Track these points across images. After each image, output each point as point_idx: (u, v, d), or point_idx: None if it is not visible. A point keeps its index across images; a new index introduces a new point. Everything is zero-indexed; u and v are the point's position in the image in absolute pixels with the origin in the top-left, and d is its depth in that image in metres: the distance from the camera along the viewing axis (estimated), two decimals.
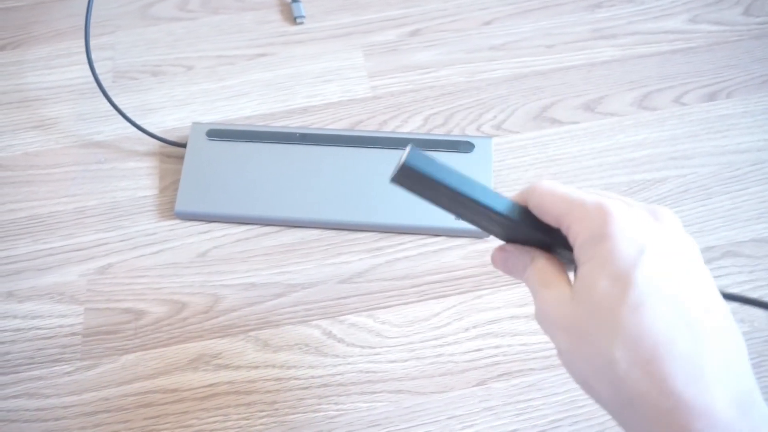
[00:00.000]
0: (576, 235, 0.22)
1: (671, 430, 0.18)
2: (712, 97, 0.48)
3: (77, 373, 0.39)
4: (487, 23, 0.52)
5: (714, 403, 0.18)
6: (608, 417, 0.37)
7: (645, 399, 0.19)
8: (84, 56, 0.47)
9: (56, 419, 0.38)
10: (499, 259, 0.26)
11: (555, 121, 0.47)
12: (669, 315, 0.19)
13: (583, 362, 0.21)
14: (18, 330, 0.41)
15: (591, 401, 0.37)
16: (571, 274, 0.24)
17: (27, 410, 0.38)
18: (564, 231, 0.22)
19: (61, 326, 0.41)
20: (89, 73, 0.47)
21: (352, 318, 0.41)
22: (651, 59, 0.50)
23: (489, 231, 0.26)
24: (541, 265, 0.24)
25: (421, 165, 0.21)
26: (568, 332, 0.21)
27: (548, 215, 0.23)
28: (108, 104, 0.47)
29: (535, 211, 0.23)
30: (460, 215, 0.24)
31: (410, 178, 0.22)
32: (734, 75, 0.49)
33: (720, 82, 0.49)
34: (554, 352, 0.39)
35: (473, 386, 0.38)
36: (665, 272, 0.20)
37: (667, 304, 0.19)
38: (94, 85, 0.47)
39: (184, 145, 0.46)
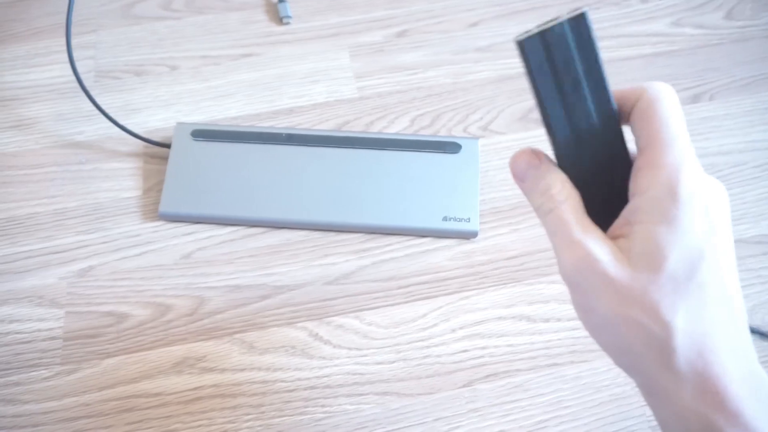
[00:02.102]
0: (649, 187, 0.20)
1: (705, 388, 0.20)
2: (694, 99, 0.49)
3: (57, 378, 0.39)
4: (474, 24, 0.52)
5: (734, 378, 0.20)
6: (594, 417, 0.37)
7: (690, 366, 0.20)
8: (64, 55, 0.46)
9: (35, 425, 0.37)
10: (522, 167, 0.23)
11: (541, 123, 0.47)
12: (721, 295, 0.20)
13: (629, 325, 0.20)
14: None
15: (577, 402, 0.38)
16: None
17: (4, 417, 0.37)
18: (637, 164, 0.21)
19: (40, 330, 0.40)
20: (69, 72, 0.46)
21: (338, 319, 0.40)
22: (635, 62, 0.50)
23: (555, 125, 0.22)
24: (578, 206, 0.21)
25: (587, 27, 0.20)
26: (619, 293, 0.20)
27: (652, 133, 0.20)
28: (90, 104, 0.46)
29: (640, 117, 0.21)
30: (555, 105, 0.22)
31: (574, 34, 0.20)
32: (716, 78, 0.49)
33: (702, 84, 0.49)
34: (540, 353, 0.39)
35: (460, 387, 0.38)
36: (724, 252, 0.20)
37: (721, 286, 0.20)
38: (75, 84, 0.46)
39: (168, 146, 0.45)
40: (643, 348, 0.20)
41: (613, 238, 0.21)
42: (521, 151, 0.23)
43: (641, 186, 0.20)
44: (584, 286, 0.21)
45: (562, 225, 0.21)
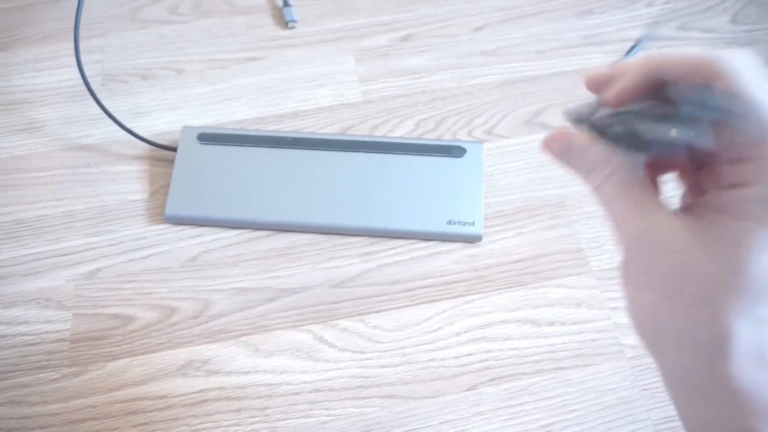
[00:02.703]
0: (757, 181, 0.18)
1: (761, 409, 0.18)
2: None
3: (64, 379, 0.39)
4: (479, 29, 0.52)
5: None
6: (600, 421, 0.37)
7: (747, 378, 0.18)
8: (72, 59, 0.47)
9: (42, 427, 0.37)
10: (557, 146, 0.21)
11: (546, 126, 0.48)
12: None
13: (682, 316, 0.18)
14: (3, 336, 0.40)
15: (583, 405, 0.38)
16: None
17: (12, 418, 0.38)
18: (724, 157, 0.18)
19: (47, 332, 0.40)
20: (77, 75, 0.46)
21: (343, 323, 0.40)
22: None
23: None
24: (630, 180, 0.20)
25: None
26: (678, 279, 0.18)
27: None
28: (97, 107, 0.46)
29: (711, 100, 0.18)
30: None
31: None
32: None
33: None
34: (545, 356, 0.39)
35: (464, 391, 0.38)
36: None
37: None
38: (83, 87, 0.46)
39: (174, 149, 0.46)
40: (687, 341, 0.18)
41: (686, 210, 0.20)
42: (548, 139, 0.22)
43: (743, 177, 0.18)
44: (639, 261, 0.19)
45: (606, 198, 0.20)
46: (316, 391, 0.38)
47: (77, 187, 0.46)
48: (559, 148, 0.21)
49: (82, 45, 0.50)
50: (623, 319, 0.40)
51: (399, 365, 0.39)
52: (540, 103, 0.49)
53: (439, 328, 0.40)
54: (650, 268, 0.19)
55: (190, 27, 0.53)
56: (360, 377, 0.39)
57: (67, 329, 0.40)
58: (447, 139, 0.47)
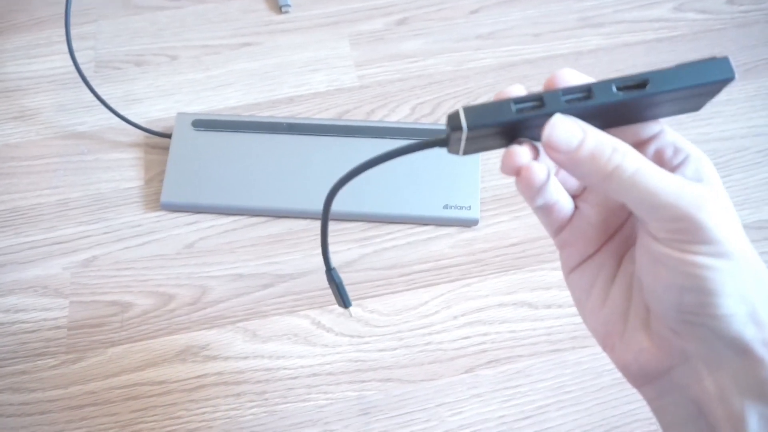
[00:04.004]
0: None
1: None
2: None
3: (63, 366, 0.39)
4: (475, 12, 0.52)
5: None
6: (596, 401, 0.37)
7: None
8: (65, 45, 0.46)
9: (41, 413, 0.38)
10: (575, 133, 0.19)
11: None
12: None
13: (741, 281, 0.19)
14: (1, 324, 0.40)
15: (579, 386, 0.38)
16: None
17: (11, 405, 0.38)
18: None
19: (45, 320, 0.40)
20: (70, 62, 0.46)
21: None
22: (637, 47, 0.50)
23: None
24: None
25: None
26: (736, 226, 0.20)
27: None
28: (90, 94, 0.46)
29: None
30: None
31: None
32: None
33: None
34: (541, 339, 0.39)
35: (462, 373, 0.38)
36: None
37: None
38: (76, 75, 0.46)
39: (169, 136, 0.45)
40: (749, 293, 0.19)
41: None
42: (559, 119, 0.19)
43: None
44: (700, 219, 0.19)
45: (655, 171, 0.19)
46: (314, 375, 0.39)
47: (72, 175, 0.45)
48: (578, 133, 0.20)
49: (74, 31, 0.50)
50: None
51: (396, 349, 0.39)
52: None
53: (436, 312, 0.40)
54: (701, 224, 0.19)
55: (183, 12, 0.52)
56: (357, 361, 0.39)
57: (65, 316, 0.40)
58: (443, 123, 0.47)
